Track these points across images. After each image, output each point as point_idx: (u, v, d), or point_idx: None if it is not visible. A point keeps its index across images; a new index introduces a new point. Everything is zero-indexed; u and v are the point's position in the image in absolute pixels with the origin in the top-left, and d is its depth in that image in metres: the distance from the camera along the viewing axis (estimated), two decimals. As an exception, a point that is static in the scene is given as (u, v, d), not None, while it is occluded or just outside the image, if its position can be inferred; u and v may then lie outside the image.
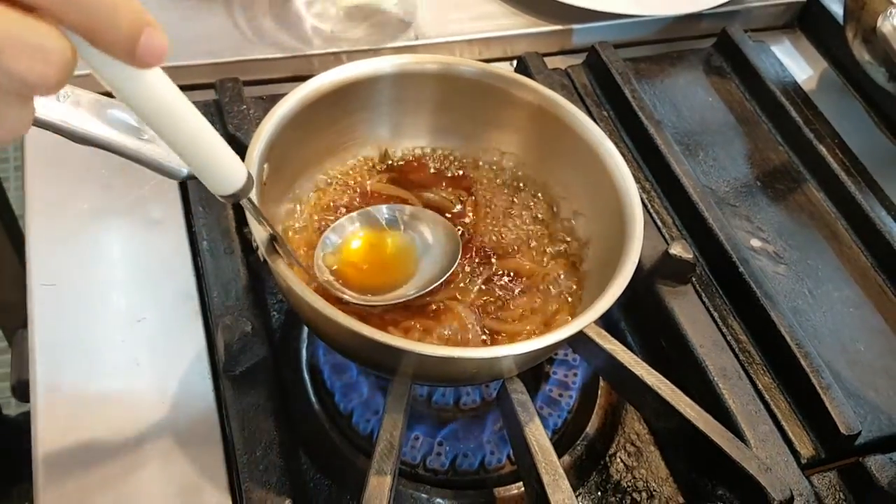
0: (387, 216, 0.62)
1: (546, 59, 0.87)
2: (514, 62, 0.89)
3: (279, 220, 0.60)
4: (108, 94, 0.37)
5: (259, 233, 0.50)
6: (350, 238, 0.60)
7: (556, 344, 0.50)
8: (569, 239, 0.65)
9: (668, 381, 0.58)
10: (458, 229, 0.63)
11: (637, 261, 0.54)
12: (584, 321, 0.51)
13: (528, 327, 0.59)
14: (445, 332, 0.57)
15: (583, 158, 0.62)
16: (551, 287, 0.62)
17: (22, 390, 0.65)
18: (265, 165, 0.55)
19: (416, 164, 0.67)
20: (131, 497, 0.55)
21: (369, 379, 0.64)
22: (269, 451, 0.55)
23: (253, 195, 0.45)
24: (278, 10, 0.89)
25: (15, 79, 0.29)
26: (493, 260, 0.63)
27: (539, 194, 0.67)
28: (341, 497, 0.59)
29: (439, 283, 0.58)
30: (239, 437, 0.56)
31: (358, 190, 0.65)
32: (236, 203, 0.44)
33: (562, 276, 0.63)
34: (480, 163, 0.68)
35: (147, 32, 0.31)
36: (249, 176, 0.43)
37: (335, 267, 0.58)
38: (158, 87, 0.35)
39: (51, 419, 0.58)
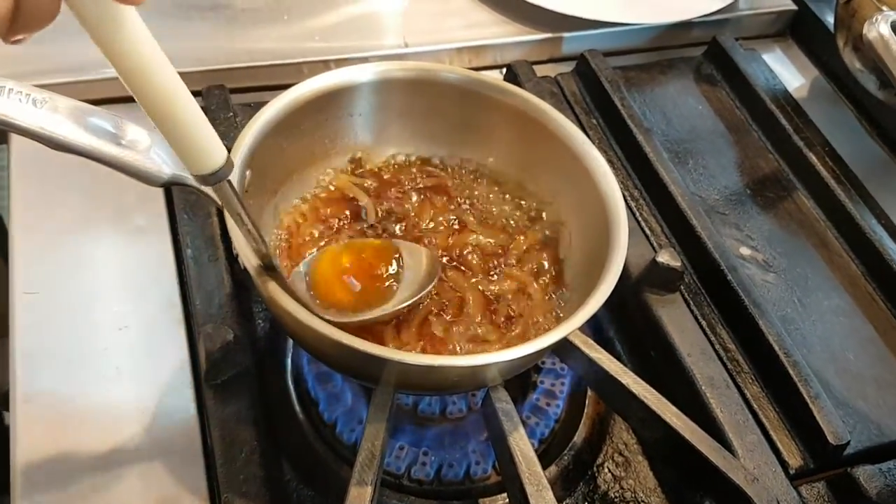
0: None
1: (536, 68, 0.87)
2: (504, 70, 0.89)
3: (263, 229, 0.60)
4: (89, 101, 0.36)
5: (238, 240, 0.49)
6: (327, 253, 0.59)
7: (539, 352, 0.50)
8: (554, 245, 0.64)
9: (654, 391, 0.58)
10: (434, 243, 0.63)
11: (622, 267, 0.54)
12: (568, 328, 0.50)
13: (511, 335, 0.58)
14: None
15: (567, 164, 0.61)
16: (535, 295, 0.61)
17: (3, 399, 0.64)
18: (247, 172, 0.54)
19: (393, 171, 0.67)
20: (110, 507, 0.54)
21: (354, 388, 0.63)
22: (249, 461, 0.55)
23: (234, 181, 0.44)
24: (266, 17, 0.89)
25: None
26: (475, 263, 0.62)
27: (523, 201, 0.66)
28: (324, 508, 0.59)
29: (418, 298, 0.57)
30: (219, 447, 0.55)
31: (341, 198, 0.64)
32: (219, 208, 0.43)
33: (547, 284, 0.62)
34: (462, 170, 0.68)
35: None
36: (229, 158, 0.42)
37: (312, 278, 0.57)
38: (139, 35, 0.34)
39: (30, 428, 0.57)
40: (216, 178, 0.42)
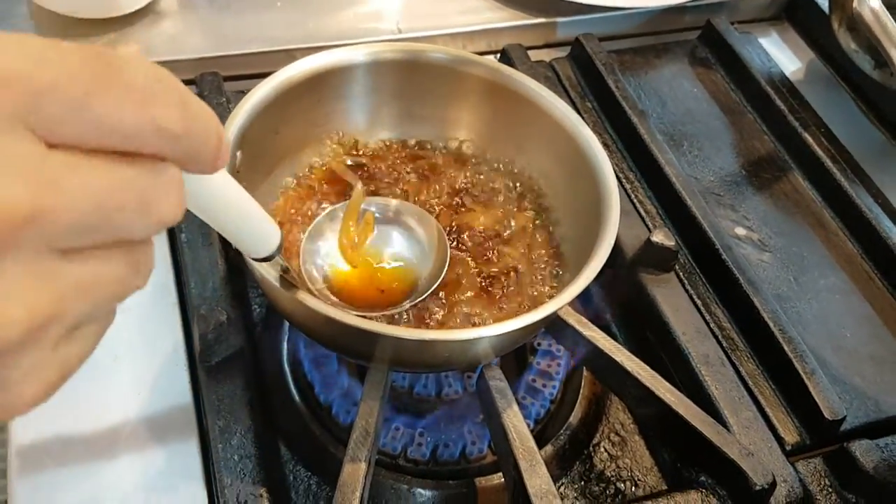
0: (374, 212, 0.61)
1: (531, 53, 0.87)
2: (498, 55, 0.89)
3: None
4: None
5: None
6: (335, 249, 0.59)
7: (531, 325, 0.50)
8: (548, 226, 0.64)
9: (648, 368, 0.58)
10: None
11: (613, 241, 0.53)
12: (560, 302, 0.50)
13: (506, 313, 0.58)
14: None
15: (559, 144, 0.61)
16: (529, 273, 0.61)
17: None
18: (238, 153, 0.54)
19: (384, 152, 0.67)
20: (106, 488, 0.54)
21: (350, 370, 0.63)
22: (244, 440, 0.55)
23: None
24: (259, 4, 0.89)
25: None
26: (470, 245, 0.62)
27: (517, 182, 0.66)
28: (320, 488, 0.59)
29: (432, 290, 0.57)
30: (214, 427, 0.55)
31: (334, 180, 0.64)
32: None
33: (543, 262, 0.62)
34: (455, 150, 0.68)
35: (223, 141, 0.29)
36: (281, 235, 0.43)
37: (326, 273, 0.57)
38: (220, 184, 0.35)
39: (26, 412, 0.57)
40: (270, 258, 0.43)
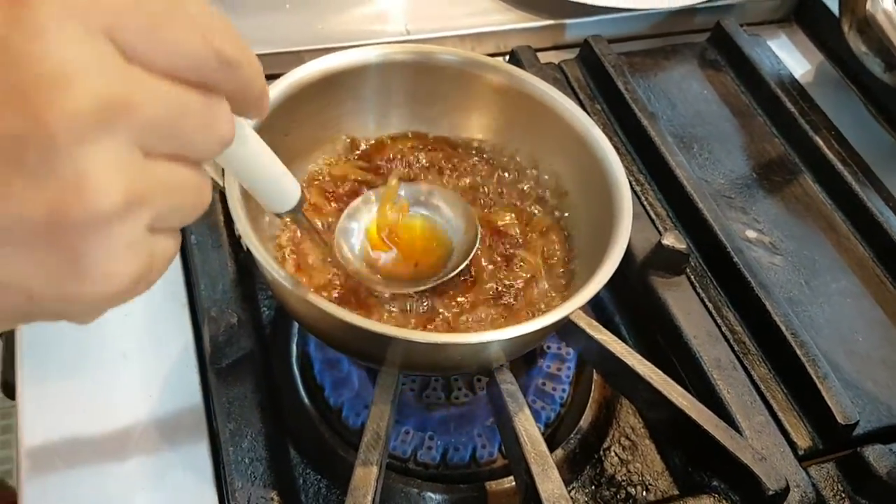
0: (406, 198, 0.62)
1: (540, 55, 0.87)
2: (507, 57, 0.89)
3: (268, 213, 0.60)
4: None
5: (241, 222, 0.49)
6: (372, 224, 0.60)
7: (543, 329, 0.49)
8: (559, 228, 0.64)
9: (659, 371, 0.57)
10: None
11: (625, 245, 0.53)
12: (572, 306, 0.50)
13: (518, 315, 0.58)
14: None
15: (571, 146, 0.61)
16: (542, 275, 0.61)
17: (9, 387, 0.64)
18: None
19: (395, 152, 0.66)
20: (116, 490, 0.54)
21: (360, 373, 0.63)
22: (255, 443, 0.55)
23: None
24: (268, 5, 0.89)
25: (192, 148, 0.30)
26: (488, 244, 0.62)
27: (527, 185, 0.66)
28: (330, 492, 0.58)
29: (464, 265, 0.58)
30: (224, 430, 0.55)
31: (344, 182, 0.64)
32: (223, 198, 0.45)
33: (554, 266, 0.62)
34: (465, 151, 0.67)
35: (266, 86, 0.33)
36: (303, 192, 0.44)
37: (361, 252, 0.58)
38: (250, 134, 0.37)
39: (36, 412, 0.57)
40: (292, 212, 0.44)
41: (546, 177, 0.65)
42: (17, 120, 0.24)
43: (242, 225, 0.49)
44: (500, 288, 0.59)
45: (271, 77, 0.84)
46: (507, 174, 0.67)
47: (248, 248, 0.50)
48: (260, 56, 0.89)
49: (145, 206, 0.28)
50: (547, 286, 0.61)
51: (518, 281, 0.60)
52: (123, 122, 0.26)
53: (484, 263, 0.61)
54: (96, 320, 0.30)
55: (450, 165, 0.66)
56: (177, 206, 0.30)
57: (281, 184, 0.42)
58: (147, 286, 0.30)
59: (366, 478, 0.49)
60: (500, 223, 0.63)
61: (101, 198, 0.26)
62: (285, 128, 0.59)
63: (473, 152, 0.67)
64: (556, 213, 0.65)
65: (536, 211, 0.65)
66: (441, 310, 0.57)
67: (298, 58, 0.83)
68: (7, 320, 0.29)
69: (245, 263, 0.66)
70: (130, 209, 0.27)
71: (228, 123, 0.31)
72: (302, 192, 0.44)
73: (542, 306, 0.59)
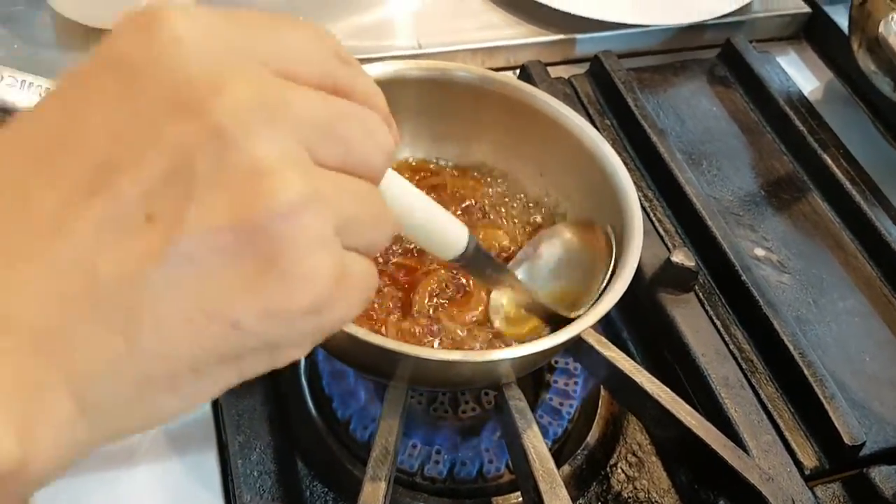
0: None
1: (549, 69, 0.87)
2: (517, 71, 0.89)
3: None
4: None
5: None
6: None
7: (553, 348, 0.50)
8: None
9: (667, 389, 0.57)
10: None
11: (636, 263, 0.53)
12: (583, 325, 0.50)
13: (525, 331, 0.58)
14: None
15: (581, 163, 0.61)
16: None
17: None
18: None
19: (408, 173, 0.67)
20: (124, 499, 0.54)
21: (367, 386, 0.63)
22: (264, 456, 0.55)
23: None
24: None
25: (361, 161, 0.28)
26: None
27: (530, 204, 0.66)
28: (337, 504, 0.59)
29: None
30: (234, 442, 0.55)
31: None
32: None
33: None
34: (476, 171, 0.68)
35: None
36: (470, 235, 0.42)
37: None
38: (401, 182, 0.35)
39: (46, 423, 0.57)
40: (461, 258, 0.42)
41: (557, 196, 0.66)
42: (183, 125, 0.24)
43: None
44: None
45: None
46: (514, 194, 0.67)
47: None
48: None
49: (325, 203, 0.26)
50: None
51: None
52: (282, 117, 0.25)
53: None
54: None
55: (445, 182, 0.66)
56: (356, 216, 0.28)
57: (443, 224, 0.40)
58: (349, 307, 0.28)
59: (374, 493, 0.49)
60: (507, 243, 0.63)
61: (281, 188, 0.24)
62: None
63: (480, 171, 0.67)
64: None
65: (545, 227, 0.65)
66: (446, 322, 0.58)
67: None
68: (214, 378, 0.27)
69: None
70: (312, 202, 0.25)
71: (385, 134, 0.29)
72: (470, 239, 0.42)
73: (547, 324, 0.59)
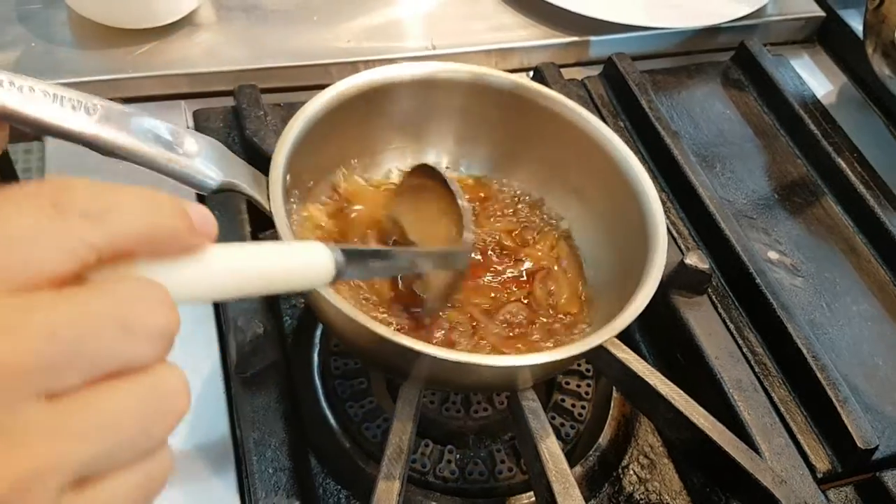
0: None
1: (563, 71, 0.87)
2: (531, 73, 0.89)
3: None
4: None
5: (280, 218, 0.49)
6: None
7: (573, 357, 0.50)
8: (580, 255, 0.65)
9: (681, 391, 0.58)
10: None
11: (661, 272, 0.54)
12: (605, 335, 0.50)
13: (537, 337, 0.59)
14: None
15: (607, 173, 0.62)
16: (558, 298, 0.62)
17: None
18: (287, 176, 0.54)
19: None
20: (140, 497, 0.55)
21: (380, 385, 0.64)
22: (278, 453, 0.55)
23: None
24: (296, 19, 0.90)
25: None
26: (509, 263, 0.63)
27: (550, 216, 0.67)
28: (350, 502, 0.59)
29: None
30: (248, 439, 0.55)
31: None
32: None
33: (570, 285, 0.63)
34: (497, 183, 0.68)
35: (190, 210, 0.28)
36: (336, 256, 0.38)
37: None
38: (223, 261, 0.32)
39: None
40: (338, 278, 0.39)
41: (575, 204, 0.66)
42: None
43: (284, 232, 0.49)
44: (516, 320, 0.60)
45: (299, 89, 0.86)
46: (535, 204, 0.67)
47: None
48: (287, 68, 0.90)
49: (51, 469, 0.24)
50: (558, 309, 0.61)
51: (529, 300, 0.61)
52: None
53: (494, 281, 0.61)
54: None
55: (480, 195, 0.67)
56: (113, 443, 0.25)
57: (298, 260, 0.37)
58: None
59: (388, 492, 0.50)
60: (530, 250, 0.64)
61: None
62: (319, 143, 0.59)
63: (504, 181, 0.68)
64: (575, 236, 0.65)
65: (557, 231, 0.65)
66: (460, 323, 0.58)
67: (325, 70, 0.85)
68: None
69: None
70: (30, 480, 0.23)
71: (151, 315, 0.27)
72: (334, 256, 0.38)
73: (559, 331, 0.60)
